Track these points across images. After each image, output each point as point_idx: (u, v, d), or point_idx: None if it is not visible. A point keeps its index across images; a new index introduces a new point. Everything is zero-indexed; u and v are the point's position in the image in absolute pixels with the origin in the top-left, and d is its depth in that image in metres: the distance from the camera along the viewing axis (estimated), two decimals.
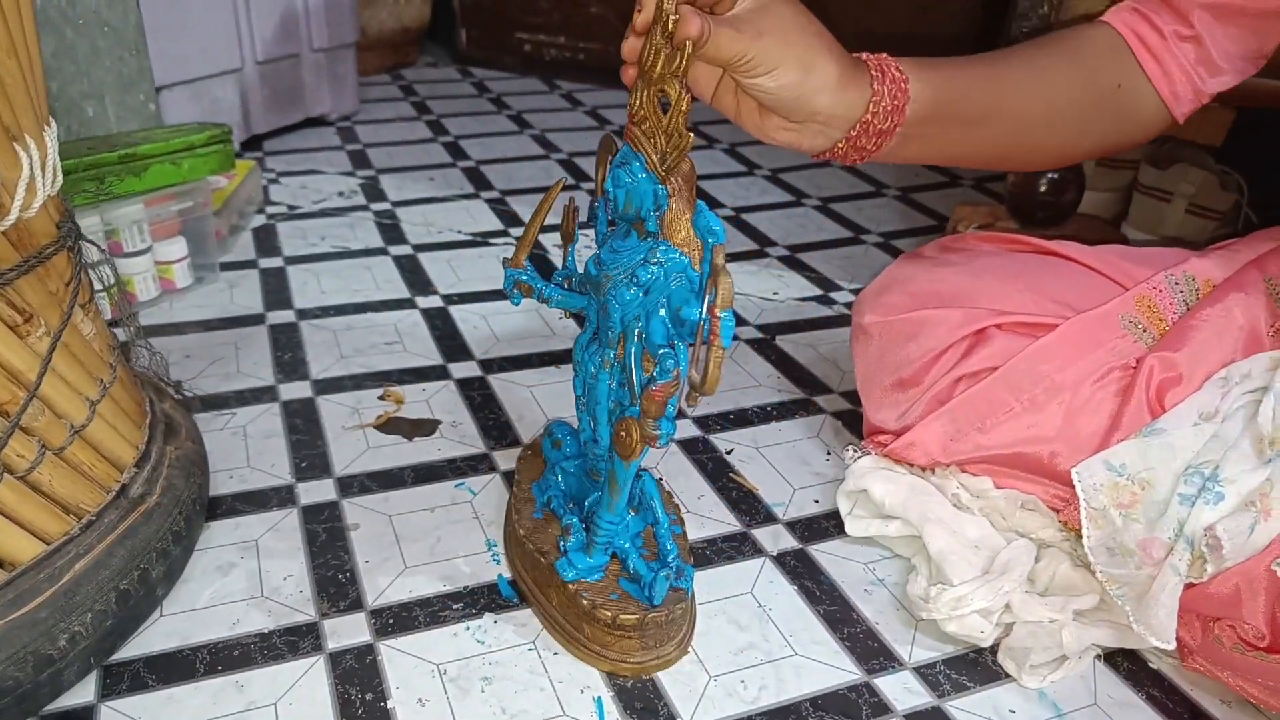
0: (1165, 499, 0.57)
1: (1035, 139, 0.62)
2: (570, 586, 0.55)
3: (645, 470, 0.58)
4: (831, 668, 0.57)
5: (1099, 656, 0.59)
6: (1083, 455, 0.61)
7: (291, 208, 1.22)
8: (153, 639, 0.56)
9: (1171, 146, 1.21)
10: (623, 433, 0.48)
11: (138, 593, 0.54)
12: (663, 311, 0.46)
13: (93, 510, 0.54)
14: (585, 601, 0.54)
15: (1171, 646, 0.54)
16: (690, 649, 0.57)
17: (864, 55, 0.54)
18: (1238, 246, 0.70)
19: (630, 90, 0.47)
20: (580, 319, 0.85)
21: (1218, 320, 0.62)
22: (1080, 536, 0.60)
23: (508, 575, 0.62)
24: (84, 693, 0.52)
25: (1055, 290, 0.66)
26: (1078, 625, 0.58)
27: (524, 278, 0.55)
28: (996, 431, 0.64)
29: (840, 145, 0.54)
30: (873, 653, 0.59)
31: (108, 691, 0.52)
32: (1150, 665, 0.59)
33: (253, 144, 1.43)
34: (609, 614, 0.53)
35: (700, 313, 0.43)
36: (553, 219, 1.16)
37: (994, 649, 0.59)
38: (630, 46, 0.47)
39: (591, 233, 0.57)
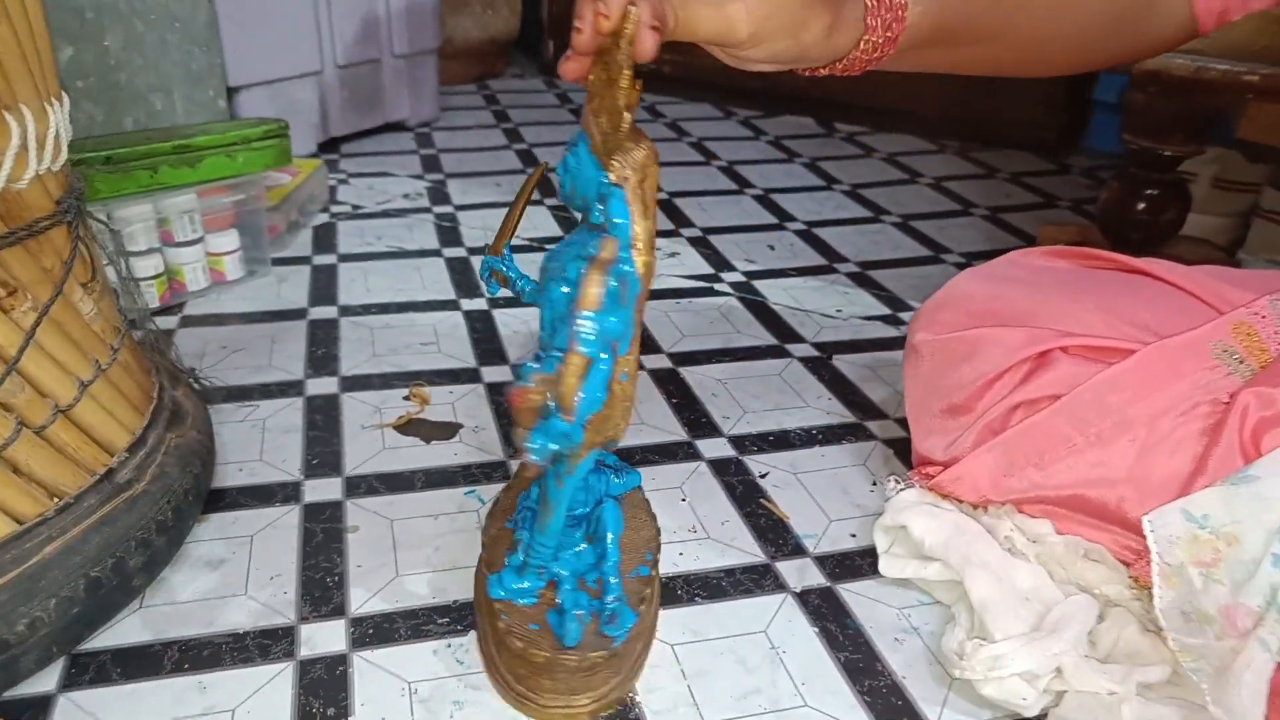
0: (1255, 559, 0.48)
1: (1041, 55, 0.56)
2: (496, 605, 0.50)
3: (613, 498, 0.53)
4: None
5: None
6: (1157, 501, 0.53)
7: (355, 207, 1.22)
8: (127, 630, 0.54)
9: None
10: None
11: (110, 582, 0.52)
12: None
13: (73, 493, 0.52)
14: (501, 624, 0.49)
15: None
16: (625, 701, 0.51)
17: None
18: None
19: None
20: None
21: None
22: (1153, 596, 0.52)
23: None
24: (46, 681, 0.50)
25: (1133, 311, 0.58)
26: (1141, 701, 0.50)
27: (500, 266, 0.52)
28: (1056, 469, 0.56)
29: (821, 70, 0.50)
30: (895, 711, 0.52)
31: (70, 682, 0.50)
32: None
33: (330, 146, 1.45)
34: (519, 645, 0.48)
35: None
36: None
37: None
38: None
39: None
